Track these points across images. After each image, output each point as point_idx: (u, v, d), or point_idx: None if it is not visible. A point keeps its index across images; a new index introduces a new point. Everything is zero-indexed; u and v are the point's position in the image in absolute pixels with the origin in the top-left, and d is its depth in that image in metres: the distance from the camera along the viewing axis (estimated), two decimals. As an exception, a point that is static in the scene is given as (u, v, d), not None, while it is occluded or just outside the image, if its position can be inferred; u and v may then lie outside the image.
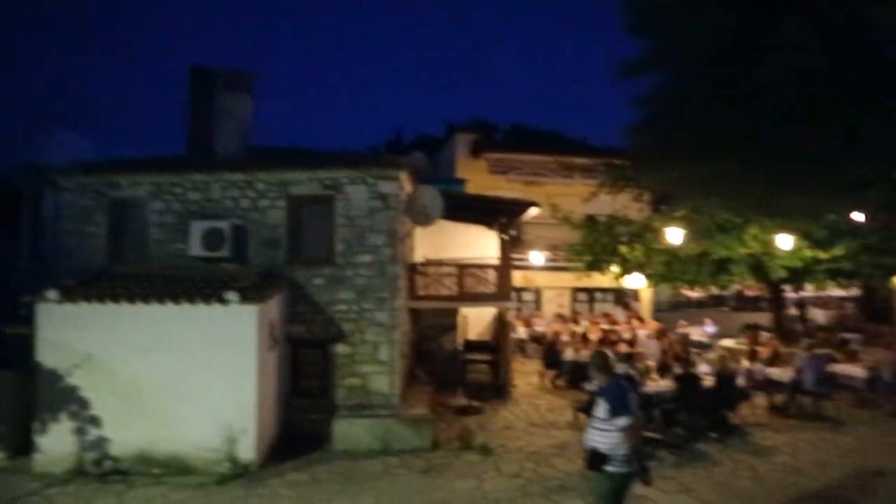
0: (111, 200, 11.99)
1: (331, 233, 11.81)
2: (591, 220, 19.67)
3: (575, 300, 26.05)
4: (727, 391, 11.54)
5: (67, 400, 9.79)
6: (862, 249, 16.47)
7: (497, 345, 16.36)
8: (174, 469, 9.64)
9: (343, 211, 11.78)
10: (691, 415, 11.36)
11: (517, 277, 19.81)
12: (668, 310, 28.28)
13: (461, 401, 13.67)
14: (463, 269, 14.63)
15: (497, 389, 15.17)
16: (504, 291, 14.83)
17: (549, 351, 16.57)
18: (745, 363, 13.52)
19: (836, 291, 27.20)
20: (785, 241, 15.44)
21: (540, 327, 21.99)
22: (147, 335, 9.90)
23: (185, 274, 10.88)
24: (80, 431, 9.78)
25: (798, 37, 12.65)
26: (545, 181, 26.51)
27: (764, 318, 21.85)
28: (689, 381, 11.44)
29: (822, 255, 16.44)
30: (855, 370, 13.49)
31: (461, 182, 22.36)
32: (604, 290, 25.68)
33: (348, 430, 10.84)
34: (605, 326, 20.15)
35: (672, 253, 17.54)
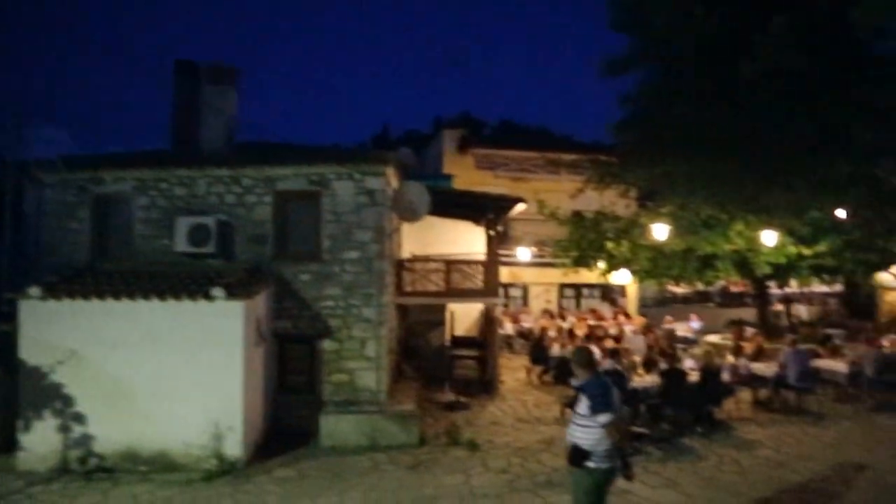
0: (95, 196, 11.89)
1: (317, 229, 11.77)
2: (577, 216, 19.71)
3: (562, 296, 26.16)
4: (712, 386, 11.62)
5: (51, 397, 9.71)
6: (845, 246, 16.64)
7: (484, 341, 16.39)
8: (160, 466, 9.59)
9: (330, 207, 11.75)
10: (677, 410, 11.44)
11: (504, 273, 19.87)
12: (654, 306, 28.41)
13: (448, 396, 13.69)
14: (450, 265, 14.64)
15: (484, 385, 15.20)
16: (491, 287, 14.85)
17: (535, 347, 16.63)
18: (730, 358, 13.63)
19: (819, 287, 27.45)
20: (769, 238, 15.57)
21: (527, 323, 22.08)
22: (132, 332, 9.83)
23: (170, 270, 10.82)
24: (64, 429, 9.71)
25: (782, 35, 12.80)
26: (532, 177, 26.58)
27: (749, 313, 22.02)
28: (674, 376, 11.51)
29: (806, 251, 16.58)
30: (837, 365, 13.62)
31: (448, 178, 22.39)
32: (590, 286, 25.80)
33: (335, 426, 10.83)
34: (592, 322, 20.26)
35: (658, 249, 17.63)
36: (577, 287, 25.96)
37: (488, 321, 16.08)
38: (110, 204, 11.96)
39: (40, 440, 9.68)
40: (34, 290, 9.80)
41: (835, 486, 8.43)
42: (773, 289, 23.24)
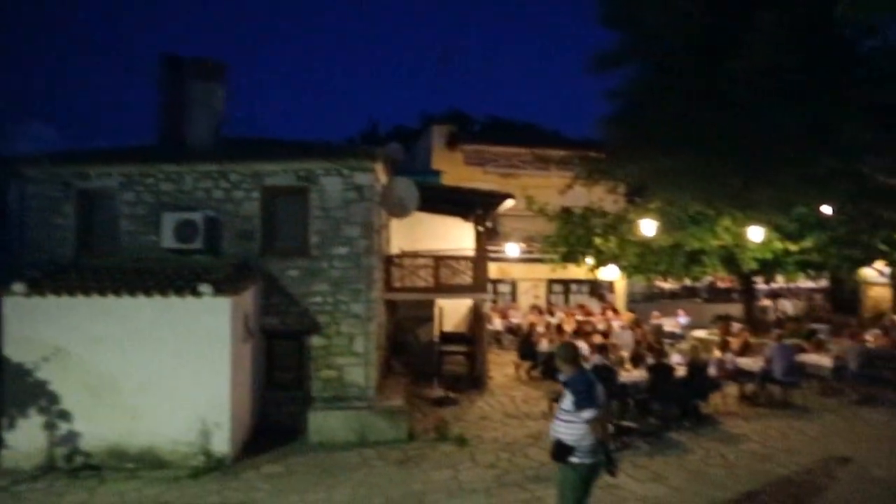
0: (80, 191, 11.79)
1: (306, 224, 11.73)
2: (566, 212, 19.78)
3: (550, 292, 26.21)
4: (699, 381, 11.70)
5: (36, 395, 9.65)
6: (830, 242, 16.79)
7: (473, 336, 16.40)
8: (147, 463, 9.56)
9: (318, 202, 11.71)
10: (664, 404, 11.50)
11: (493, 269, 19.91)
12: (642, 301, 28.50)
13: (437, 392, 13.71)
14: (439, 260, 14.65)
15: (473, 381, 15.23)
16: (480, 283, 14.87)
17: (524, 342, 16.66)
18: (717, 353, 13.72)
19: (805, 283, 27.68)
20: (756, 234, 15.67)
21: (515, 319, 22.12)
22: (118, 328, 9.78)
23: (157, 266, 10.76)
24: (50, 426, 9.65)
25: (770, 32, 12.85)
26: (521, 173, 26.62)
27: (736, 309, 22.15)
28: (661, 371, 11.58)
29: (792, 247, 16.72)
30: (822, 360, 13.74)
31: (437, 174, 22.37)
32: (579, 282, 25.86)
33: (324, 422, 10.81)
34: (580, 318, 20.33)
35: (646, 245, 17.72)
36: (565, 283, 26.02)
37: (477, 317, 16.09)
38: (96, 199, 11.87)
39: (25, 438, 9.62)
40: (18, 287, 9.72)
41: (820, 479, 8.51)
42: (760, 284, 23.42)
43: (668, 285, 29.84)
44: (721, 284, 32.09)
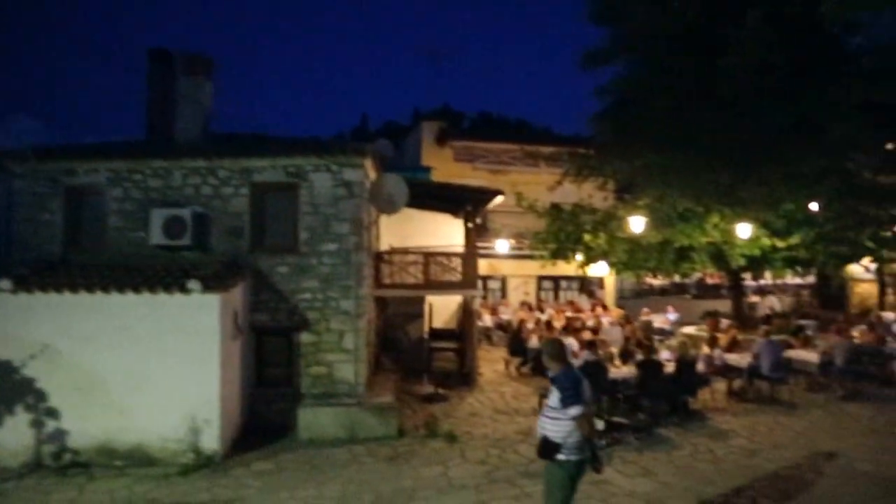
0: (67, 187, 11.70)
1: (295, 221, 11.69)
2: (555, 208, 19.82)
3: (540, 288, 26.28)
4: (687, 377, 11.76)
5: (23, 392, 9.58)
6: (817, 238, 16.90)
7: (463, 333, 16.42)
8: (136, 460, 9.52)
9: (307, 199, 11.67)
10: (653, 400, 11.56)
11: (483, 266, 19.91)
12: (631, 297, 28.65)
13: (427, 388, 13.73)
14: (428, 257, 14.65)
15: (463, 377, 15.24)
16: (469, 279, 14.89)
17: (514, 339, 16.70)
18: (706, 349, 13.78)
19: (793, 279, 27.86)
20: (744, 230, 15.76)
21: (505, 315, 22.14)
22: (107, 325, 9.73)
23: (145, 263, 10.70)
24: (37, 424, 9.58)
25: (757, 30, 12.92)
26: (511, 169, 26.64)
27: (725, 305, 22.26)
28: (650, 367, 11.63)
29: (780, 243, 16.82)
30: (809, 356, 13.83)
31: (427, 170, 22.37)
32: (569, 279, 25.93)
33: (313, 419, 10.80)
34: (570, 314, 20.37)
35: (635, 241, 17.78)
36: (555, 279, 26.09)
37: (467, 313, 16.11)
38: (83, 195, 11.78)
39: (13, 435, 9.55)
40: (5, 283, 9.64)
41: (807, 474, 8.57)
42: (748, 281, 23.55)
43: (657, 282, 30.02)
44: (710, 281, 32.29)
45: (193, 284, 9.63)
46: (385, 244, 15.75)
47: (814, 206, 16.72)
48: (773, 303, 25.03)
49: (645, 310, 21.91)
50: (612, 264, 19.69)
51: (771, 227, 16.69)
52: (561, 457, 5.55)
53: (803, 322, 18.82)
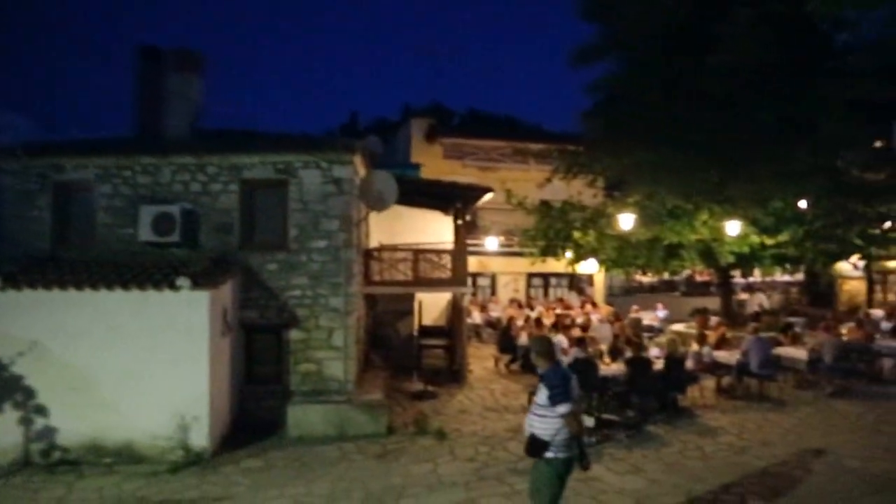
0: (56, 184, 11.62)
1: (284, 218, 11.66)
2: (545, 205, 19.83)
3: (530, 285, 26.33)
4: (676, 374, 11.80)
5: (12, 390, 9.51)
6: (806, 236, 16.98)
7: (452, 330, 16.43)
8: (125, 458, 9.48)
9: (296, 195, 11.64)
10: (642, 397, 11.59)
11: (472, 263, 19.91)
12: (621, 295, 28.72)
13: (417, 386, 13.73)
14: (418, 254, 14.65)
15: (452, 374, 15.26)
16: (459, 277, 14.89)
17: (503, 336, 16.72)
18: (695, 347, 13.83)
19: (782, 277, 27.98)
20: (733, 228, 15.82)
21: (495, 312, 22.18)
22: (96, 322, 9.68)
23: (134, 260, 10.65)
24: (26, 421, 9.52)
25: (747, 27, 12.96)
26: (500, 167, 26.67)
27: (714, 302, 22.34)
28: (639, 364, 11.66)
29: (769, 241, 16.89)
30: (798, 353, 13.89)
31: (416, 167, 22.37)
32: (558, 276, 26.00)
33: (303, 417, 10.78)
34: (559, 311, 20.43)
35: (624, 238, 17.81)
36: (544, 276, 26.15)
37: (456, 310, 16.12)
38: (72, 192, 11.71)
39: (1, 433, 9.48)
40: (-7, 280, 9.58)
41: (795, 471, 8.61)
42: (737, 278, 23.65)
43: (646, 279, 30.09)
44: (699, 278, 32.40)
45: (182, 281, 9.59)
46: (374, 241, 15.73)
47: (802, 204, 16.81)
48: (762, 300, 25.16)
49: (634, 307, 21.99)
50: (601, 261, 19.73)
51: (760, 225, 16.76)
52: (549, 454, 5.53)
53: (792, 319, 18.92)
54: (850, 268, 24.39)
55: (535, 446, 5.57)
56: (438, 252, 15.00)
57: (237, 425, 11.01)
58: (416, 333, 16.75)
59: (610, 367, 12.10)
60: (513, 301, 23.25)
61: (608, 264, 19.74)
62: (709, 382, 13.18)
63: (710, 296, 26.49)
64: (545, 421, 5.52)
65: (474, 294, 23.91)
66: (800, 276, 29.24)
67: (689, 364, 12.62)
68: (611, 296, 27.34)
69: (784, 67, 13.70)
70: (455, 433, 10.69)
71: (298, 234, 11.61)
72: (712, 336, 14.64)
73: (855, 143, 15.98)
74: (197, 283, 9.67)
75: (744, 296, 26.57)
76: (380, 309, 16.96)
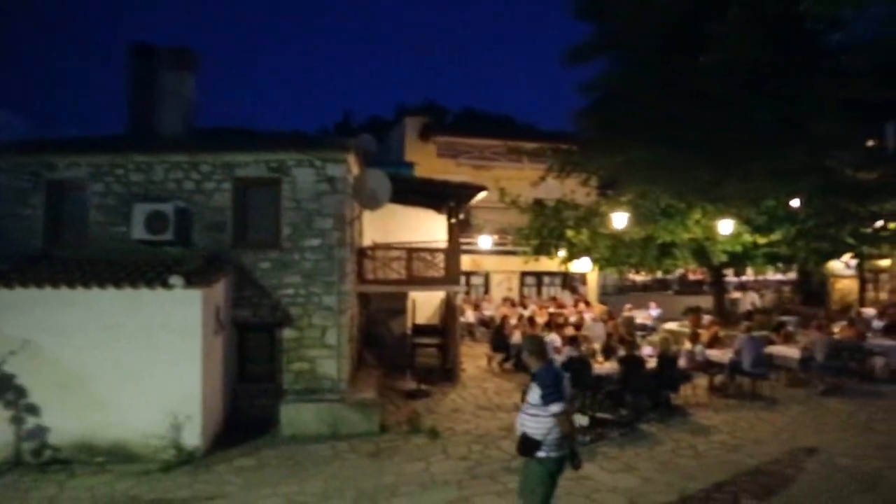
0: (49, 182, 11.56)
1: (277, 216, 11.64)
2: (538, 204, 19.85)
3: (523, 284, 26.38)
4: (669, 373, 11.83)
5: (3, 388, 9.46)
6: (798, 235, 17.03)
7: (445, 328, 16.43)
8: (117, 457, 9.44)
9: (290, 194, 11.61)
10: (635, 396, 11.62)
11: (466, 261, 19.93)
12: (614, 293, 28.83)
13: (410, 384, 13.73)
14: (411, 252, 14.65)
15: (445, 373, 15.26)
16: (452, 275, 14.89)
17: (496, 334, 16.73)
18: (687, 345, 13.87)
19: (775, 275, 28.11)
20: (726, 227, 15.86)
21: (488, 311, 22.20)
22: (88, 321, 9.64)
23: (127, 258, 10.61)
24: (17, 420, 9.47)
25: (741, 26, 12.98)
26: (494, 165, 26.69)
27: (707, 301, 22.42)
28: (632, 363, 11.69)
29: (761, 240, 16.94)
30: (790, 351, 13.95)
31: (410, 165, 22.37)
32: (551, 274, 26.05)
33: (296, 415, 10.77)
34: (553, 310, 20.45)
35: (617, 237, 17.85)
36: (538, 275, 26.19)
37: (449, 309, 16.12)
38: (64, 190, 11.66)
39: (-8, 432, 9.46)
40: (-16, 279, 9.53)
41: (787, 469, 8.65)
42: (730, 277, 23.73)
43: (639, 278, 30.19)
44: (692, 277, 32.52)
45: (175, 280, 9.57)
46: (368, 240, 15.72)
47: (795, 203, 16.86)
48: (754, 299, 25.26)
49: (627, 306, 22.04)
50: (594, 260, 19.77)
51: (752, 224, 16.81)
52: (541, 454, 5.53)
53: (785, 318, 19.00)
54: (842, 266, 24.51)
55: (527, 445, 5.57)
56: (432, 251, 15.00)
57: (230, 424, 10.98)
58: (409, 332, 16.77)
59: (603, 366, 12.12)
60: (506, 300, 23.27)
61: (601, 263, 19.78)
62: (701, 381, 13.22)
63: (702, 294, 26.61)
64: (537, 420, 5.52)
65: (467, 293, 23.95)
66: (792, 275, 29.37)
67: (682, 363, 12.66)
68: (604, 294, 27.42)
69: (778, 67, 13.73)
70: (448, 432, 10.70)
71: (292, 232, 11.59)
72: (705, 335, 14.68)
73: (848, 142, 16.02)
74: (190, 282, 9.65)
75: (736, 294, 26.67)
76: (373, 307, 16.95)
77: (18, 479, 8.81)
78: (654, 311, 22.35)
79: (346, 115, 50.05)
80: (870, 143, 16.38)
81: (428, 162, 24.69)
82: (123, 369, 9.59)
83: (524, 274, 25.91)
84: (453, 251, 15.07)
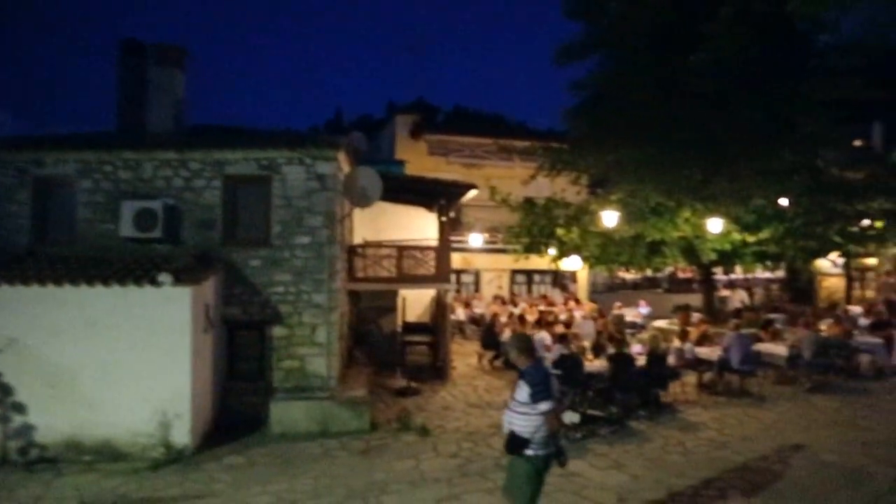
0: (36, 178, 11.47)
1: (267, 214, 11.60)
2: (529, 202, 19.87)
3: (513, 282, 26.41)
4: (658, 370, 11.87)
5: (-10, 387, 9.43)
6: (786, 233, 17.13)
7: (436, 326, 16.44)
8: (105, 456, 9.40)
9: (280, 192, 11.58)
10: (624, 393, 11.65)
11: (456, 259, 19.95)
12: (604, 291, 28.87)
13: (400, 382, 13.73)
14: (402, 250, 14.63)
15: (436, 371, 15.27)
16: (443, 273, 14.89)
17: (487, 332, 16.74)
18: (677, 343, 13.93)
19: (763, 273, 28.27)
20: (715, 225, 15.93)
21: (478, 309, 22.22)
22: (76, 319, 9.60)
23: (115, 255, 10.56)
24: (3, 419, 9.43)
25: (730, 26, 13.05)
26: (485, 163, 26.72)
27: (696, 299, 22.50)
28: (621, 360, 11.72)
29: (750, 238, 17.03)
30: (778, 349, 14.03)
31: (401, 163, 22.32)
32: (542, 272, 26.09)
33: (286, 413, 10.75)
34: (543, 308, 20.49)
35: (608, 235, 17.89)
36: (528, 273, 26.23)
37: (440, 307, 16.12)
38: (52, 187, 11.57)
39: (-22, 431, 9.39)
40: (-29, 276, 9.47)
41: (774, 465, 8.70)
42: (719, 275, 23.84)
43: (629, 276, 30.28)
44: (682, 275, 32.65)
45: (164, 277, 9.53)
46: (358, 238, 15.70)
47: (783, 202, 16.96)
48: (743, 296, 25.38)
49: (617, 304, 22.10)
50: (584, 258, 19.80)
51: (741, 222, 16.89)
52: (529, 452, 5.52)
53: (772, 316, 19.10)
54: (829, 265, 24.66)
55: (516, 443, 5.56)
56: (422, 249, 15.00)
57: (219, 422, 10.96)
58: (399, 330, 16.76)
59: (593, 364, 12.15)
60: (496, 297, 23.30)
61: (591, 261, 19.81)
62: (690, 378, 13.28)
63: (692, 292, 26.69)
64: (526, 418, 5.51)
65: (458, 290, 23.96)
66: (781, 273, 29.55)
67: (671, 360, 12.70)
68: (594, 292, 27.47)
69: (766, 66, 13.81)
70: (438, 429, 10.71)
71: (282, 230, 11.57)
72: (694, 332, 14.75)
73: (835, 142, 16.15)
74: (179, 280, 9.62)
75: (725, 292, 26.80)
76: (363, 305, 16.93)
77: (4, 478, 8.75)
78: (644, 309, 22.42)
79: (337, 113, 50.05)
80: (857, 142, 16.49)
81: (419, 160, 24.68)
82: (112, 367, 9.55)
83: (515, 272, 25.95)
84: (444, 249, 15.07)
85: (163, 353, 9.64)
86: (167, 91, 12.06)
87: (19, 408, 9.44)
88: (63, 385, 9.50)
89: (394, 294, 16.87)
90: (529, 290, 26.41)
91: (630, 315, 21.28)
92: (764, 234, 16.96)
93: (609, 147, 16.06)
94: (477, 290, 25.68)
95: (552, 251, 19.62)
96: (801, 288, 28.43)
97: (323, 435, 10.38)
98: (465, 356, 17.19)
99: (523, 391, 5.56)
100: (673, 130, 14.55)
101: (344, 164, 12.41)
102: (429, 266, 14.73)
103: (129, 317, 9.64)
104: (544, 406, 5.44)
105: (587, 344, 13.44)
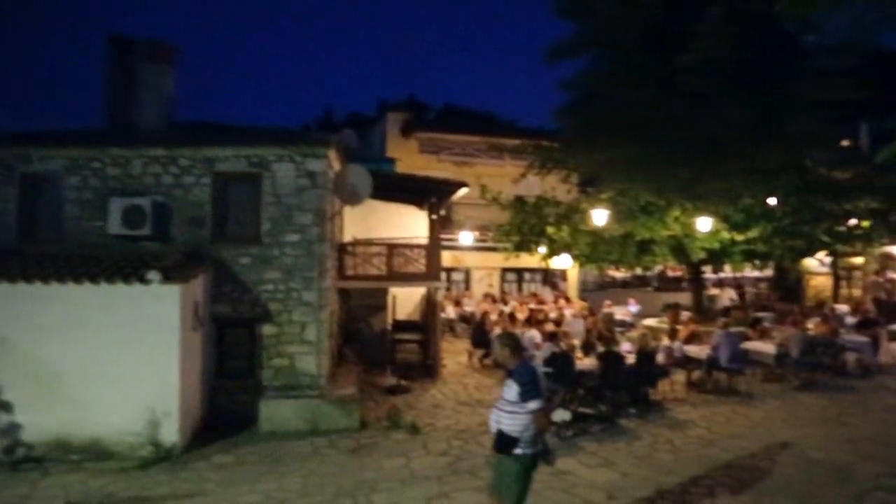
0: (23, 175, 11.37)
1: (257, 211, 11.56)
2: (519, 200, 19.91)
3: (504, 280, 26.44)
4: (647, 368, 11.92)
5: (-25, 385, 9.35)
6: (775, 232, 17.23)
7: (426, 324, 16.43)
8: (93, 455, 9.35)
9: (270, 189, 11.54)
10: (614, 391, 11.69)
11: (446, 257, 19.97)
12: (594, 290, 28.91)
13: (390, 380, 13.72)
14: (392, 248, 14.62)
15: (426, 369, 15.27)
16: (433, 271, 14.89)
17: (477, 330, 16.75)
18: (666, 341, 13.98)
19: (752, 272, 28.44)
20: (704, 224, 16.00)
21: (469, 307, 22.23)
22: (63, 317, 9.53)
23: (103, 253, 10.48)
24: (-10, 418, 9.38)
25: (718, 26, 13.07)
26: (475, 162, 26.74)
27: (685, 297, 22.59)
28: (611, 359, 11.75)
29: (739, 237, 17.12)
30: (766, 347, 14.11)
31: (391, 161, 22.31)
32: (532, 271, 26.13)
33: (275, 411, 10.73)
34: (533, 306, 20.53)
35: (598, 234, 17.95)
36: (518, 271, 26.26)
37: (430, 305, 16.12)
38: (39, 183, 11.47)
39: (-36, 430, 9.32)
40: (-43, 274, 9.39)
41: (762, 463, 8.75)
42: (708, 273, 23.95)
43: (619, 274, 30.35)
44: (671, 274, 32.75)
45: (153, 275, 9.48)
46: (349, 235, 15.67)
47: (772, 201, 17.06)
48: (732, 295, 25.50)
49: (607, 302, 22.17)
50: (574, 257, 19.86)
51: (730, 221, 16.98)
52: (517, 451, 5.51)
53: (762, 314, 19.21)
54: (816, 264, 24.81)
55: (504, 442, 5.55)
56: (412, 247, 14.99)
57: (208, 421, 10.92)
58: (389, 328, 16.74)
59: (583, 362, 12.18)
60: (487, 296, 23.32)
61: (581, 259, 19.88)
62: (679, 377, 13.33)
63: (681, 291, 26.77)
64: (515, 417, 5.50)
65: (448, 289, 23.95)
66: (769, 272, 29.72)
67: (661, 358, 12.75)
68: (584, 291, 27.52)
69: (755, 66, 13.86)
70: (428, 427, 10.71)
71: (271, 227, 11.53)
72: (683, 331, 14.81)
73: (823, 142, 16.24)
74: (168, 277, 9.57)
75: (714, 291, 26.93)
76: (353, 303, 16.90)
77: (-9, 478, 8.70)
78: (634, 308, 22.50)
79: (327, 110, 49.90)
80: (845, 142, 16.60)
81: (409, 158, 24.67)
82: (99, 366, 9.49)
83: (505, 270, 25.97)
84: (434, 247, 15.07)
85: (151, 351, 9.59)
86: (156, 87, 12.01)
87: (5, 406, 9.38)
88: (50, 383, 9.43)
89: (384, 292, 16.85)
90: (520, 289, 26.44)
91: (620, 313, 21.35)
92: (752, 233, 17.06)
93: (599, 146, 16.08)
94: (467, 288, 25.70)
95: (542, 249, 19.67)
96: (788, 287, 28.58)
97: (312, 433, 10.36)
98: (455, 354, 17.19)
99: (512, 390, 5.56)
100: (663, 129, 14.59)
101: (334, 161, 12.38)
102: (419, 264, 14.73)
103: (117, 315, 9.59)
104: (533, 405, 5.44)
105: (577, 342, 13.47)
